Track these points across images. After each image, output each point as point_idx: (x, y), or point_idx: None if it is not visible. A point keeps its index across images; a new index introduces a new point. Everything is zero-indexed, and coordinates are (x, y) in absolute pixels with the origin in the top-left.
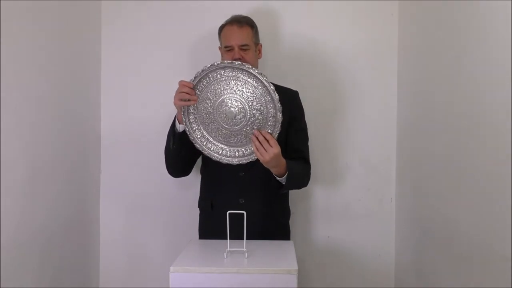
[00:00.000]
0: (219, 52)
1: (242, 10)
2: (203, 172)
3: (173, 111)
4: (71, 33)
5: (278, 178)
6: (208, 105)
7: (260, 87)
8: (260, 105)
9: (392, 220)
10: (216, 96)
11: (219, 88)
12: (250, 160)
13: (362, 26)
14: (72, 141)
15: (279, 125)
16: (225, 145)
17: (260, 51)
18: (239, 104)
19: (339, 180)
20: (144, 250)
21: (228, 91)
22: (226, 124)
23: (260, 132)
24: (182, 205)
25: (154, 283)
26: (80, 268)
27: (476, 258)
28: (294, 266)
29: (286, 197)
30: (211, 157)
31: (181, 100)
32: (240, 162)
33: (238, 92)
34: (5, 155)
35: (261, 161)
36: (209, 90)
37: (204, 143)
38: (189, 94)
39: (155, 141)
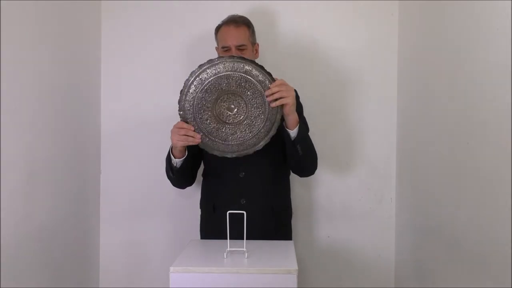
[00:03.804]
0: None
1: (241, 9)
2: (204, 174)
3: (173, 111)
4: (71, 33)
5: (291, 132)
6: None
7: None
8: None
9: (392, 220)
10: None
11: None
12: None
13: (362, 26)
14: (72, 141)
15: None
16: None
17: (257, 50)
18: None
19: (339, 180)
20: (144, 250)
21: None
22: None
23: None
24: (182, 205)
25: (154, 283)
26: (80, 268)
27: (476, 258)
28: (294, 266)
29: (287, 197)
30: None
31: (183, 141)
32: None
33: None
34: (5, 155)
35: (289, 106)
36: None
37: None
38: (190, 136)
39: (155, 141)
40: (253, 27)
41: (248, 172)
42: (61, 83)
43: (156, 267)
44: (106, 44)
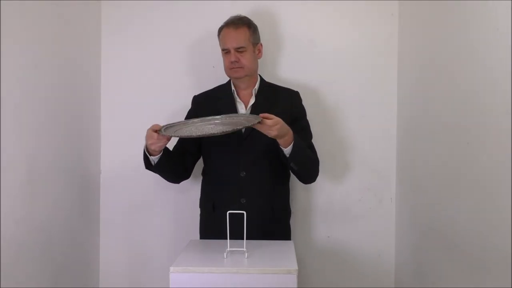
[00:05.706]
0: (219, 52)
1: (242, 10)
2: (204, 173)
3: (173, 110)
4: (71, 33)
5: (284, 149)
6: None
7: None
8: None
9: (392, 220)
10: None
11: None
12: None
13: (362, 26)
14: (72, 141)
15: None
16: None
17: (260, 50)
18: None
19: (339, 180)
20: (144, 250)
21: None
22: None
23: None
24: (182, 205)
25: (154, 283)
26: (80, 268)
27: (476, 258)
28: (294, 266)
29: (287, 197)
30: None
31: (163, 146)
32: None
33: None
34: (5, 156)
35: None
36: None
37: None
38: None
39: None
40: (254, 27)
41: (248, 171)
42: (61, 83)
43: (156, 267)
44: (106, 44)
